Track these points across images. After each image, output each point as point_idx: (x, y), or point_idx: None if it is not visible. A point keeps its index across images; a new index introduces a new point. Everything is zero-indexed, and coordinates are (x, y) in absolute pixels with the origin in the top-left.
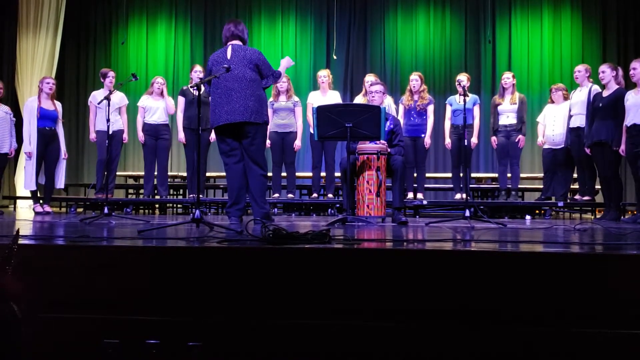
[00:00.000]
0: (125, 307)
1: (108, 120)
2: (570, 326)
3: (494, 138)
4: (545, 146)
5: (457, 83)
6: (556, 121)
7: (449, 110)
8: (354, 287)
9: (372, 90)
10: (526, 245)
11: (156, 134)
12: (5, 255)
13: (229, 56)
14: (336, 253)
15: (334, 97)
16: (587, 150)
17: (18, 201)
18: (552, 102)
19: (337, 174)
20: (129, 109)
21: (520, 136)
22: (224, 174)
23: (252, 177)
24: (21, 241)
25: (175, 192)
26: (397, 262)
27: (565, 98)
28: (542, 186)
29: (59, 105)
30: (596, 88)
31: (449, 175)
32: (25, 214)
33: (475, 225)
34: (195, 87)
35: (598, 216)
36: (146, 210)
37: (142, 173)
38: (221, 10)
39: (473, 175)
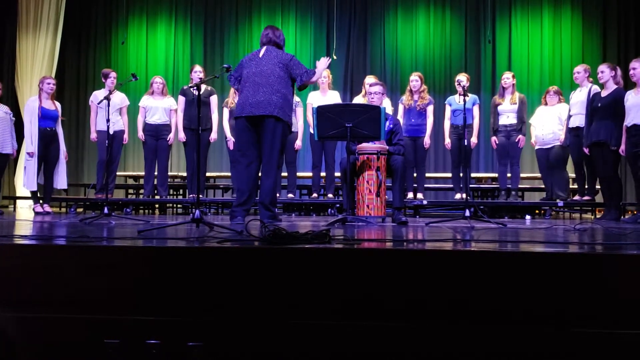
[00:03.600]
0: (126, 307)
1: (108, 120)
2: (570, 326)
3: (494, 138)
4: (537, 147)
5: (456, 83)
6: (545, 121)
7: (448, 110)
8: (354, 287)
9: (371, 91)
10: (526, 245)
11: (157, 134)
12: None
13: (261, 55)
14: (336, 253)
15: (333, 97)
16: (586, 150)
17: (18, 201)
18: (545, 104)
19: (337, 174)
20: (129, 109)
21: (520, 136)
22: (224, 173)
23: (266, 179)
24: (21, 241)
25: (175, 192)
26: (397, 262)
27: (560, 101)
28: (542, 186)
29: (58, 105)
30: (596, 88)
31: (449, 175)
32: (25, 214)
33: (475, 225)
34: (195, 87)
35: (598, 216)
36: (146, 211)
37: (142, 173)
38: (221, 11)
39: (473, 175)
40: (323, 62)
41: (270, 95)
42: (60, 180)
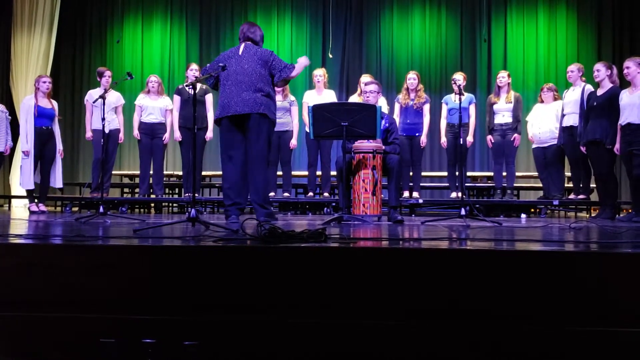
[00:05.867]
0: (121, 306)
1: (103, 119)
2: (564, 324)
3: (489, 137)
4: (534, 145)
5: (452, 82)
6: (542, 120)
7: (444, 109)
8: (350, 286)
9: (366, 90)
10: (521, 244)
11: (152, 133)
12: None
13: (240, 52)
14: (332, 252)
15: (329, 96)
16: (583, 149)
17: (13, 200)
18: (542, 101)
19: (333, 173)
20: (125, 108)
21: (515, 135)
22: (219, 173)
23: (254, 179)
24: (17, 240)
25: (170, 191)
26: (393, 260)
27: (556, 98)
28: (537, 185)
29: (55, 103)
30: (589, 87)
31: (445, 174)
32: (20, 213)
33: (471, 223)
34: (190, 86)
35: (593, 215)
36: (142, 210)
37: (138, 172)
38: (217, 9)
39: (469, 174)
40: (304, 59)
41: (255, 93)
42: (54, 179)
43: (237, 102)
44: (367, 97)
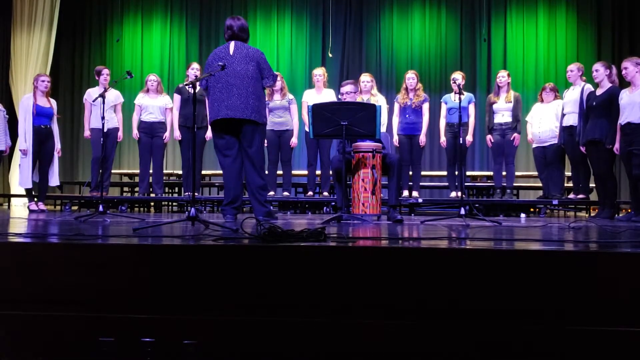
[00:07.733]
0: (120, 305)
1: (103, 118)
2: (564, 323)
3: (489, 136)
4: (534, 145)
5: (452, 81)
6: (542, 119)
7: (444, 109)
8: (350, 285)
9: (343, 92)
10: (521, 243)
11: (152, 132)
12: None
13: (231, 52)
14: (331, 251)
15: (329, 96)
16: (582, 149)
17: (12, 199)
18: (542, 100)
19: None
20: (124, 106)
21: (515, 134)
22: (219, 172)
23: (251, 178)
24: (16, 239)
25: (170, 190)
26: (392, 260)
27: (556, 97)
28: (537, 184)
29: (53, 102)
30: (589, 87)
31: (445, 173)
32: (19, 212)
33: (471, 223)
34: (190, 85)
35: (592, 214)
36: (141, 208)
37: (137, 171)
38: (217, 8)
39: (468, 173)
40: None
41: (246, 98)
42: (52, 177)
43: (228, 106)
44: (344, 99)
